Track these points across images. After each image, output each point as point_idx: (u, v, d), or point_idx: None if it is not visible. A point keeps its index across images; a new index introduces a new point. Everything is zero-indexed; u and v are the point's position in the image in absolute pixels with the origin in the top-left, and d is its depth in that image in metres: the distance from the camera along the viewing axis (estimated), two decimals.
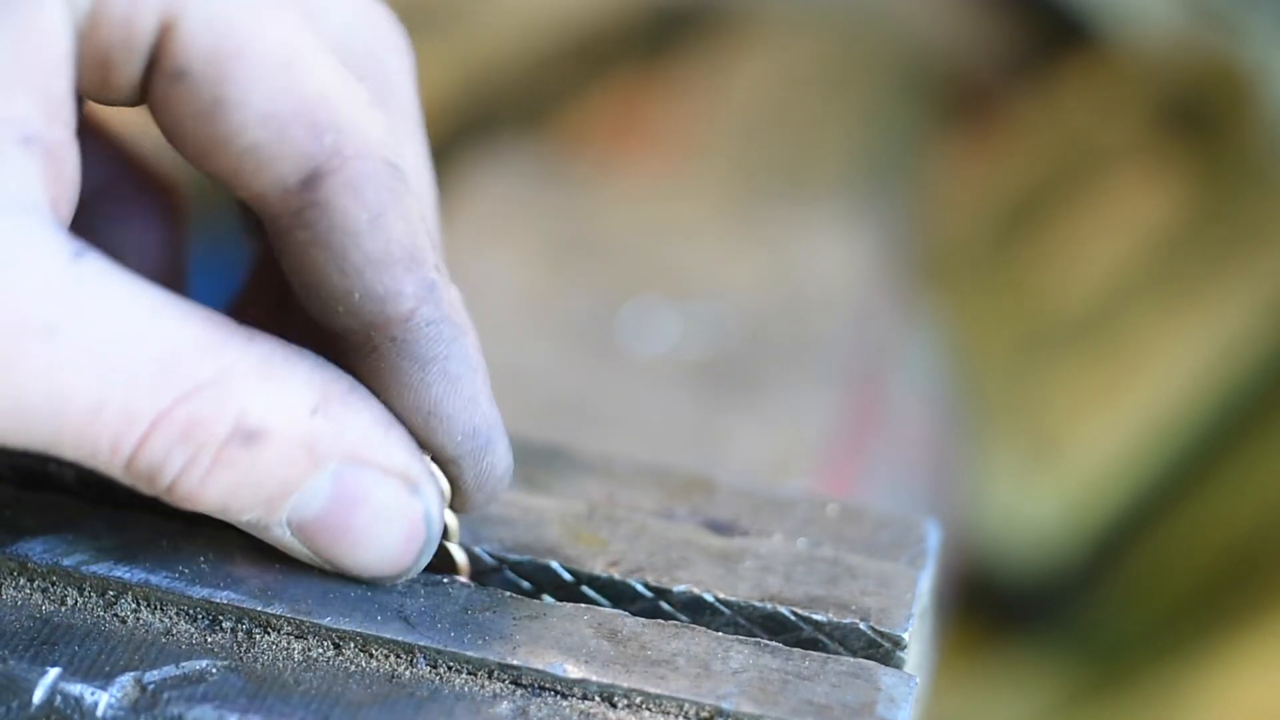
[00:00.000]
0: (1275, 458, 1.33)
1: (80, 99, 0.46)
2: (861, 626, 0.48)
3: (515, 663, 0.46)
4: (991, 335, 1.40)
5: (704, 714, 0.46)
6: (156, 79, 0.45)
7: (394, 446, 0.46)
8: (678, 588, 0.50)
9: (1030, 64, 1.54)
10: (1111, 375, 1.37)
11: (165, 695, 0.45)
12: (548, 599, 0.49)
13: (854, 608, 0.49)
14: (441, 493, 0.48)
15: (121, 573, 0.47)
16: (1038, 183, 1.47)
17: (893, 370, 1.06)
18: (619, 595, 0.50)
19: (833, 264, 1.03)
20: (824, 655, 0.47)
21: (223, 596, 0.47)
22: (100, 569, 0.47)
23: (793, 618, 0.49)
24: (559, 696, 0.46)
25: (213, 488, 0.44)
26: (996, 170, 1.49)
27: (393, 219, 0.45)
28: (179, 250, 0.54)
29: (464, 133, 1.35)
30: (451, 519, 0.49)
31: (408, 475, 0.46)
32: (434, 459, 0.48)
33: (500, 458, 0.48)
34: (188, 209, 0.55)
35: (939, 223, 1.47)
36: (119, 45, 0.44)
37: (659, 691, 0.46)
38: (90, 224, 0.50)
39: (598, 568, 0.50)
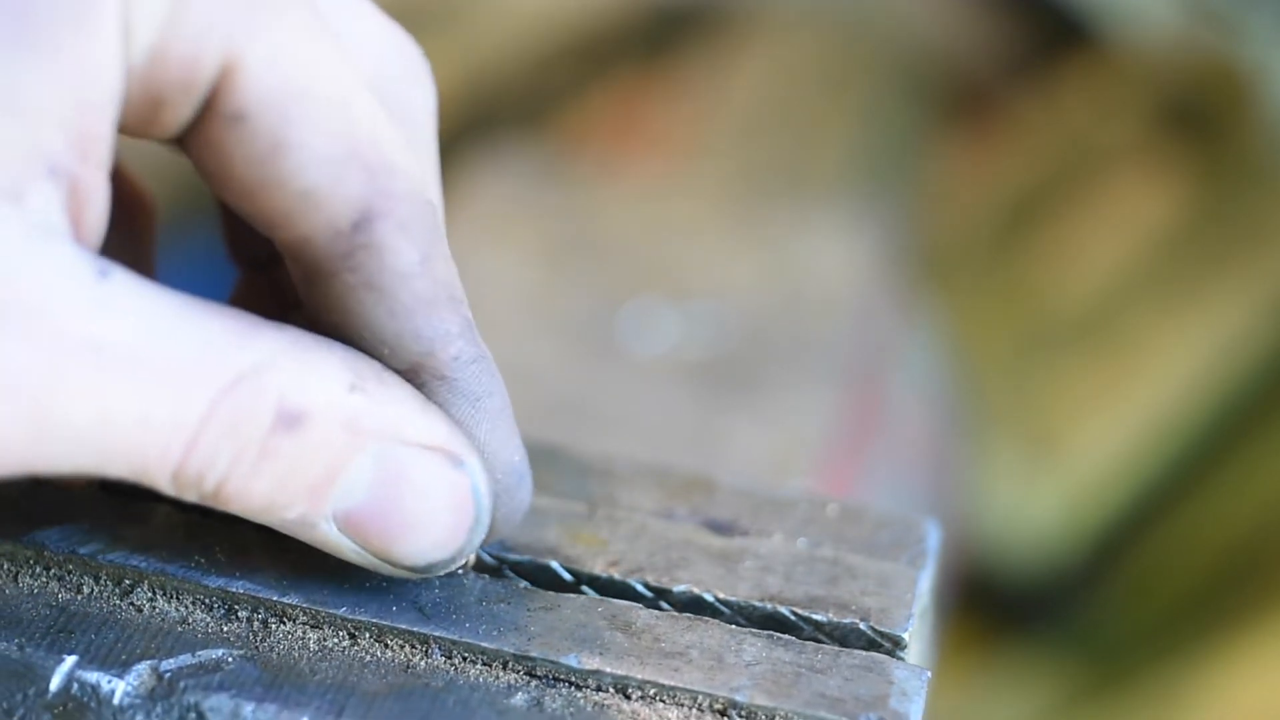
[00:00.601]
0: (1275, 458, 1.34)
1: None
2: (861, 626, 0.48)
3: (530, 654, 0.46)
4: (991, 335, 1.40)
5: (717, 706, 0.46)
6: (210, 120, 0.44)
7: (433, 421, 0.45)
8: (678, 588, 0.49)
9: (1030, 64, 1.54)
10: (1111, 375, 1.37)
11: (181, 684, 0.45)
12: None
13: (854, 608, 0.49)
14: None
15: (137, 562, 0.47)
16: (1038, 183, 1.48)
17: (893, 370, 1.06)
18: (619, 595, 0.50)
19: (832, 264, 1.03)
20: (836, 649, 0.47)
21: (239, 586, 0.47)
22: (116, 557, 0.47)
23: (793, 618, 0.49)
24: (573, 688, 0.46)
25: (259, 483, 0.43)
26: (996, 170, 1.49)
27: (438, 258, 0.45)
28: (148, 263, 0.53)
29: (464, 133, 1.35)
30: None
31: (450, 449, 0.45)
32: None
33: (528, 492, 0.48)
34: (157, 221, 0.54)
35: (939, 223, 1.47)
36: (177, 86, 0.43)
37: (673, 683, 0.46)
38: None
39: (598, 568, 0.50)
